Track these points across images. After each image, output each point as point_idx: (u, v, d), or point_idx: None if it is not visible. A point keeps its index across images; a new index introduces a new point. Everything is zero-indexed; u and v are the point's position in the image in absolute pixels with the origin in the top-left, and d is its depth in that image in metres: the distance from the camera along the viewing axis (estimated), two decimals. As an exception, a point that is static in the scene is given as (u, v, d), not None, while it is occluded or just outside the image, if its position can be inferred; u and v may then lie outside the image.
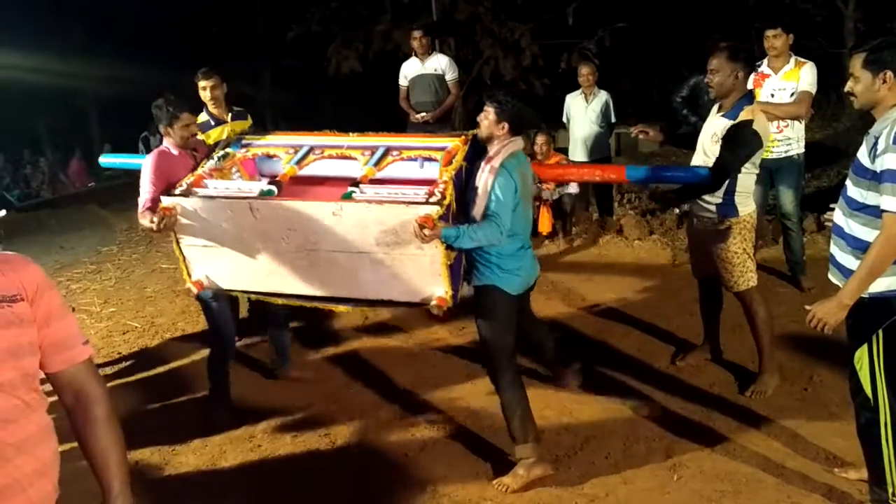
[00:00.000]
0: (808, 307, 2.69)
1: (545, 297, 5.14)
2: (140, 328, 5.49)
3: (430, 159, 3.39)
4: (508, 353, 3.22)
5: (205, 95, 4.74)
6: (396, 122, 6.93)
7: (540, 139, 6.42)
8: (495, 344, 3.21)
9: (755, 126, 3.43)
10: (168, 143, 3.74)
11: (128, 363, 4.89)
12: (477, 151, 3.28)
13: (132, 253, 7.82)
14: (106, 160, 4.55)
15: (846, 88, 2.65)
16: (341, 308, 3.43)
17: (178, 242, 3.47)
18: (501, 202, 3.03)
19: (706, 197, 3.62)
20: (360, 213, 3.00)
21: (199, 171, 3.53)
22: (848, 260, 2.65)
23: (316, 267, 3.25)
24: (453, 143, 3.34)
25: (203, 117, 4.84)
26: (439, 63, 6.48)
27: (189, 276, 3.57)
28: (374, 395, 4.10)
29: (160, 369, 4.75)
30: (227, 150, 3.69)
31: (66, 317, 1.75)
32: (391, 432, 3.71)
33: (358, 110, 14.33)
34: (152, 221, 3.30)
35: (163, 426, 3.99)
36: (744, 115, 3.45)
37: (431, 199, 2.96)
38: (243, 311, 4.81)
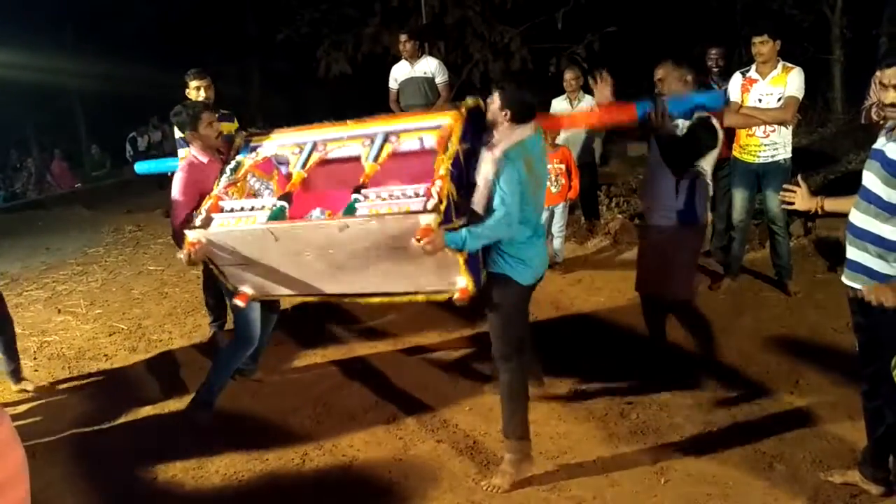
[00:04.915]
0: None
1: (533, 300, 5.12)
2: (126, 330, 5.46)
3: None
4: (516, 343, 3.22)
5: (197, 95, 4.71)
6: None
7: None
8: (504, 333, 3.20)
9: (713, 121, 3.49)
10: (195, 151, 3.70)
11: (114, 365, 4.85)
12: (477, 126, 3.22)
13: (119, 254, 7.77)
14: (142, 168, 4.49)
15: (888, 100, 2.53)
16: (375, 300, 3.50)
17: (213, 264, 3.53)
18: (507, 194, 2.94)
19: (668, 204, 3.62)
20: (364, 227, 3.05)
21: (215, 191, 3.52)
22: (881, 265, 2.59)
23: (342, 271, 3.33)
24: (448, 121, 3.25)
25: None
26: (429, 66, 6.49)
27: (234, 290, 3.63)
28: (362, 399, 4.09)
29: (147, 372, 4.72)
30: (238, 158, 3.70)
31: None
32: (379, 435, 3.70)
33: (347, 113, 14.28)
34: (183, 255, 3.34)
35: (148, 429, 3.97)
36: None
37: (429, 205, 2.92)
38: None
